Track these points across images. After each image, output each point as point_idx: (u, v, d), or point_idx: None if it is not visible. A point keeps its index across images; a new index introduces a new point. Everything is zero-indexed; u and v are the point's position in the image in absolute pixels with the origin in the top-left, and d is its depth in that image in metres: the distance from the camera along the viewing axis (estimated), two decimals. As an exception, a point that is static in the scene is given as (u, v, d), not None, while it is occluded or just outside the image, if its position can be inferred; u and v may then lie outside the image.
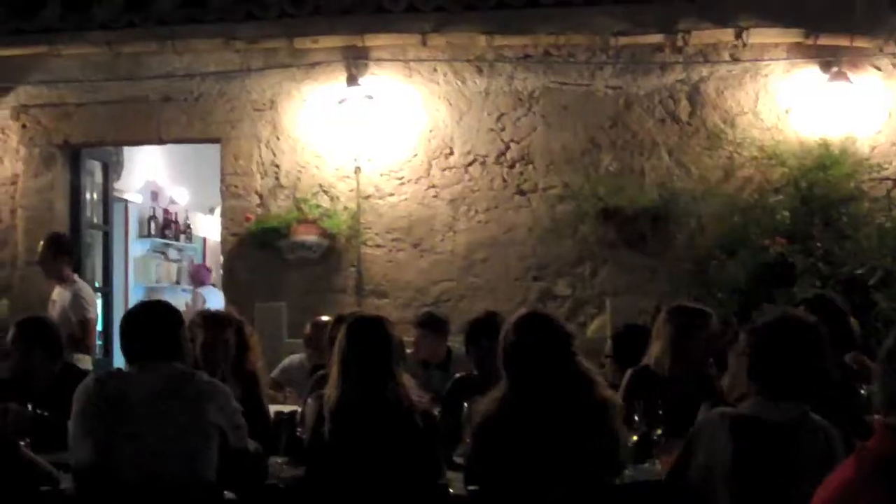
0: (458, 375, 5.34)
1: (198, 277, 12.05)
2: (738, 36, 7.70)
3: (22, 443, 3.95)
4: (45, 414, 4.44)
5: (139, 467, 3.64)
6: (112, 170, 9.72)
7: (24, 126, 8.51)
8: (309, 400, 4.11)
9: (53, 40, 8.32)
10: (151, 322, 3.93)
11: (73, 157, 8.77)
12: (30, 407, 4.36)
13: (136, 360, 3.85)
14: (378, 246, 8.05)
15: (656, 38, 7.79)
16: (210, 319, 5.08)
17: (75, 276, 7.51)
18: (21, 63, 8.43)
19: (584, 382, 3.73)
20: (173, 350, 3.85)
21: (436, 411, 4.12)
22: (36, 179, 8.49)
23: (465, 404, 4.29)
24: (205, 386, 3.80)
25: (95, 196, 9.37)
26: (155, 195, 11.83)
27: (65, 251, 7.45)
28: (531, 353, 3.71)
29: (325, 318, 6.47)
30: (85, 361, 6.96)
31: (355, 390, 3.80)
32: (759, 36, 7.71)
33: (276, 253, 8.00)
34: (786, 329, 3.33)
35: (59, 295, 7.36)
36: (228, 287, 8.33)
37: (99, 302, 9.25)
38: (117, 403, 3.70)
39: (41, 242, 7.52)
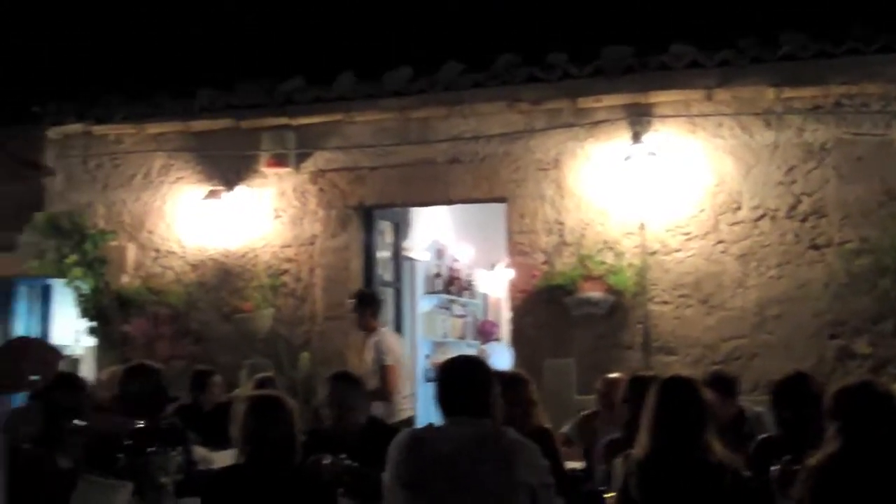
0: (762, 437, 5.18)
1: (485, 333, 12.31)
2: None
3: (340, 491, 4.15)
4: (356, 465, 4.64)
5: (451, 522, 3.73)
6: (401, 229, 10.10)
7: (321, 189, 8.98)
8: (616, 461, 4.12)
9: (349, 108, 8.81)
10: (467, 377, 4.01)
11: (367, 217, 9.17)
12: (343, 457, 4.57)
13: (450, 414, 3.94)
14: (665, 302, 7.97)
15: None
16: (508, 379, 5.17)
17: (380, 327, 8.21)
18: (319, 130, 8.95)
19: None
20: (486, 406, 3.93)
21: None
22: (333, 240, 8.93)
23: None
24: (516, 445, 3.85)
25: (386, 254, 9.76)
26: (440, 253, 12.18)
27: (367, 304, 8.16)
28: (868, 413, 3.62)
29: (614, 374, 6.46)
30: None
31: (665, 448, 3.78)
32: None
33: (563, 309, 8.06)
34: None
35: (367, 345, 8.07)
36: (516, 343, 8.45)
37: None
38: (430, 458, 3.81)
39: (349, 299, 8.31)
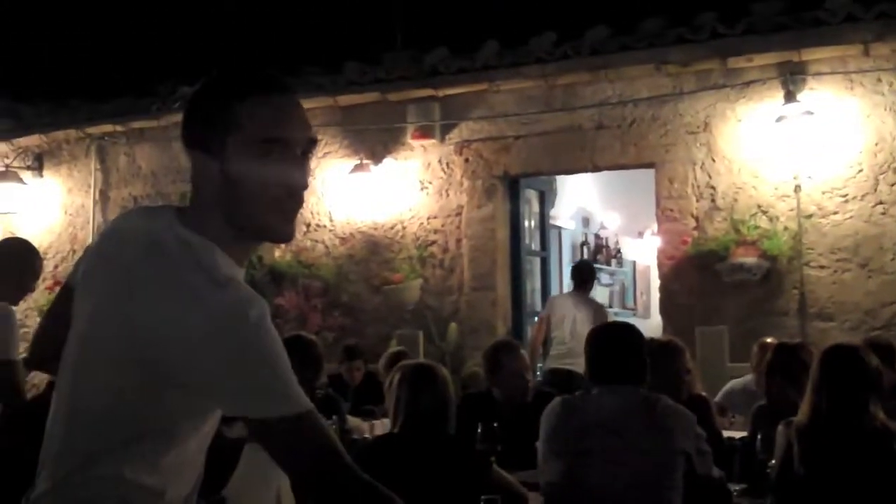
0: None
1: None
2: None
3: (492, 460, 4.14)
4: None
5: (606, 491, 3.70)
6: (547, 198, 10.04)
7: (466, 160, 8.98)
8: (778, 428, 4.00)
9: (493, 77, 8.76)
10: (619, 344, 3.97)
11: (513, 187, 9.13)
12: (495, 426, 4.57)
13: (601, 382, 3.91)
14: (822, 267, 7.71)
15: None
16: (663, 347, 5.09)
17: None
18: (463, 100, 8.93)
19: None
20: (639, 373, 3.88)
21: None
22: (479, 210, 8.93)
23: None
24: (670, 411, 3.80)
25: (532, 224, 9.72)
26: (586, 221, 12.09)
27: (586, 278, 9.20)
28: None
29: (770, 339, 6.33)
30: None
31: (828, 415, 3.66)
32: None
33: (715, 276, 7.89)
34: None
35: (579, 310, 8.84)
36: (666, 311, 8.31)
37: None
38: (584, 426, 3.78)
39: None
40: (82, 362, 2.04)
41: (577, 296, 9.07)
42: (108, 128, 10.20)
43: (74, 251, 10.16)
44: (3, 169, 10.33)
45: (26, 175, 10.48)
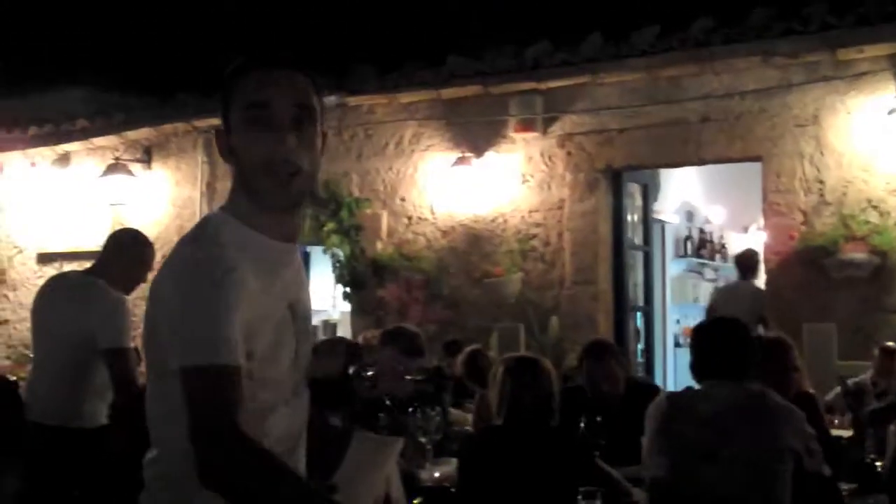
0: None
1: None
2: None
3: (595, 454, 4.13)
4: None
5: (713, 488, 3.65)
6: (650, 191, 9.94)
7: (569, 153, 8.93)
8: (890, 428, 3.92)
9: (596, 69, 8.69)
10: (725, 339, 3.92)
11: (615, 180, 9.06)
12: (599, 419, 4.55)
13: (707, 377, 3.86)
14: (935, 263, 7.52)
15: None
16: (771, 343, 5.01)
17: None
18: (566, 93, 8.89)
19: None
20: (747, 369, 3.82)
21: None
22: (581, 203, 8.88)
23: None
24: (779, 408, 3.74)
25: (635, 218, 9.63)
26: (690, 215, 11.95)
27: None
28: None
29: (890, 343, 6.23)
30: None
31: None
32: None
33: (823, 272, 7.72)
34: None
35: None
36: (772, 306, 8.17)
37: (639, 320, 9.55)
38: (690, 422, 3.74)
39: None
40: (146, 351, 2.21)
41: (741, 284, 9.62)
42: (215, 121, 10.33)
43: (182, 242, 10.37)
44: (114, 161, 10.59)
45: (136, 167, 10.72)
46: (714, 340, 3.94)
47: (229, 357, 1.96)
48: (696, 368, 3.92)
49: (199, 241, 2.14)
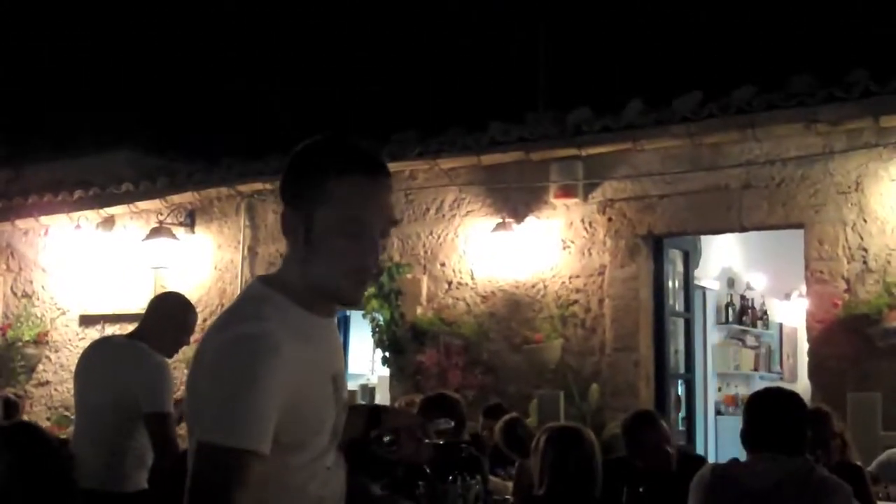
0: None
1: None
2: None
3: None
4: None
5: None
6: (691, 258, 9.89)
7: (609, 219, 8.92)
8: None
9: (637, 136, 8.71)
10: (780, 412, 3.86)
11: (656, 247, 9.02)
12: (641, 490, 4.51)
13: (757, 450, 3.80)
14: (983, 333, 7.40)
15: None
16: (812, 414, 4.94)
17: None
18: (607, 159, 8.90)
19: None
20: (799, 444, 3.76)
21: None
22: (622, 270, 8.84)
23: None
24: (826, 482, 3.67)
25: (676, 284, 9.58)
26: (731, 282, 11.88)
27: None
28: None
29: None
30: None
31: None
32: None
33: (867, 340, 7.62)
34: None
35: None
36: (816, 376, 8.06)
37: (681, 388, 9.46)
38: (735, 495, 3.68)
39: None
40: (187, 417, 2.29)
41: None
42: (257, 185, 10.48)
43: (223, 305, 10.42)
44: (157, 225, 10.70)
45: (179, 231, 10.83)
46: (768, 412, 3.86)
47: (248, 442, 2.03)
48: (747, 439, 3.85)
49: (245, 317, 2.18)
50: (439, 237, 9.62)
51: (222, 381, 2.06)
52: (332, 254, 2.18)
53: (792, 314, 12.42)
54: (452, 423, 4.94)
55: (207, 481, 2.01)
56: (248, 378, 2.03)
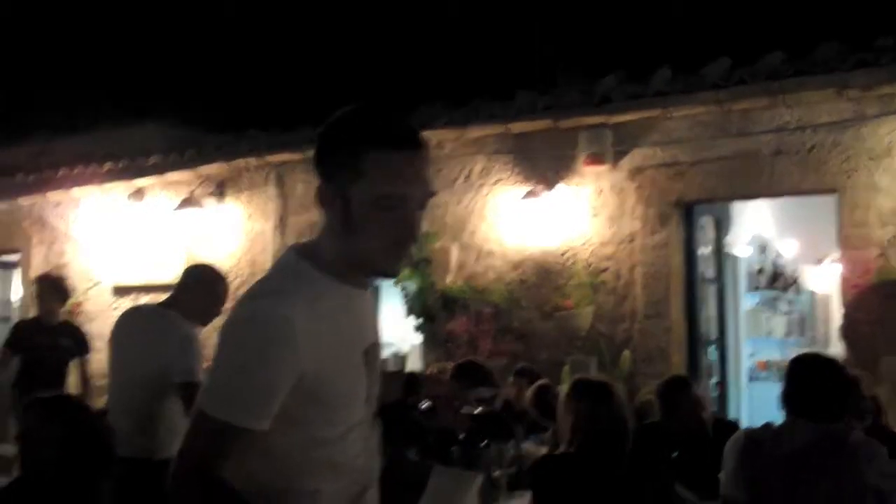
0: None
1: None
2: None
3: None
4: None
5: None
6: (722, 224, 9.85)
7: (639, 186, 8.89)
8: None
9: (666, 103, 8.65)
10: (822, 379, 3.84)
11: (687, 213, 8.98)
12: (675, 455, 4.52)
13: (795, 414, 3.78)
14: None
15: None
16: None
17: None
18: (636, 127, 8.86)
19: None
20: (839, 410, 3.74)
21: None
22: (652, 237, 8.82)
23: None
24: (863, 446, 3.66)
25: (707, 251, 9.54)
26: (763, 248, 11.81)
27: None
28: None
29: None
30: None
31: None
32: None
33: (901, 305, 7.60)
34: None
35: None
36: (849, 340, 8.02)
37: (713, 354, 9.44)
38: (770, 460, 3.68)
39: None
40: None
41: None
42: (286, 156, 10.50)
43: (254, 275, 10.47)
44: (187, 196, 10.75)
45: (209, 201, 10.88)
46: (810, 378, 3.84)
47: (238, 418, 2.07)
48: (788, 403, 3.82)
49: (269, 292, 2.21)
50: (468, 206, 9.62)
51: (229, 354, 2.12)
52: (370, 227, 2.18)
53: (824, 280, 12.33)
54: (494, 392, 4.98)
55: (191, 447, 2.08)
56: (252, 356, 2.08)
